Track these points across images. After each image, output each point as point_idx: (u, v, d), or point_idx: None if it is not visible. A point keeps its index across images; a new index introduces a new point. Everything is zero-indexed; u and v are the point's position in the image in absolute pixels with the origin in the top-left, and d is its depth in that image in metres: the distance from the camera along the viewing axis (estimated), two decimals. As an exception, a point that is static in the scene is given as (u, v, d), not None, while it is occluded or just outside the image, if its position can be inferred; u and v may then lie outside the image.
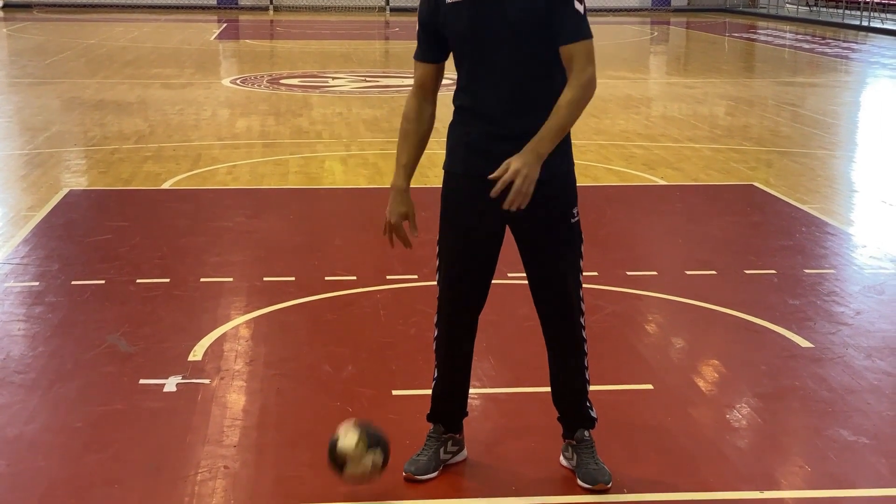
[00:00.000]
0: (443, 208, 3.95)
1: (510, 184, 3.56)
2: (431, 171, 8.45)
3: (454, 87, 3.86)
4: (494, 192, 3.57)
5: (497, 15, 3.65)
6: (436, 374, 4.09)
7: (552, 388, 4.08)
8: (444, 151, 3.94)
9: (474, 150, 3.80)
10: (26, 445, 4.28)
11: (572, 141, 3.89)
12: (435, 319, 4.03)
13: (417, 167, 3.99)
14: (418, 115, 3.89)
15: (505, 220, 3.86)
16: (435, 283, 4.02)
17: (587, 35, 3.66)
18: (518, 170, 3.55)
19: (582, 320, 3.97)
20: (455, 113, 3.87)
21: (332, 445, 3.84)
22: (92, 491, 3.93)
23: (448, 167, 3.92)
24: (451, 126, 3.89)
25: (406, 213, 3.90)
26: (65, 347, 5.34)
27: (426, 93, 3.90)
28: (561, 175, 3.81)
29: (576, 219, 3.87)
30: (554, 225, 3.83)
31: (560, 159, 3.79)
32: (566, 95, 3.63)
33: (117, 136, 11.48)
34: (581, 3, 3.64)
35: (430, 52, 3.85)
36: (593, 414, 4.07)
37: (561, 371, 4.02)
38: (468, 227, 3.87)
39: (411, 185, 3.96)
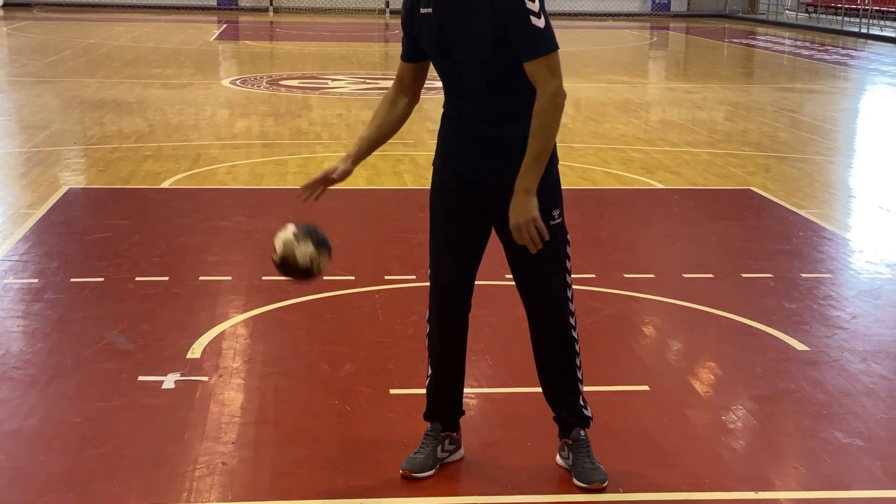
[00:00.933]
0: (430, 205, 4.00)
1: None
2: (430, 173, 8.36)
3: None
4: (527, 243, 3.67)
5: (459, 31, 3.69)
6: (429, 371, 4.13)
7: (543, 388, 4.09)
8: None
9: (455, 150, 3.86)
10: (25, 440, 4.30)
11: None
12: (427, 316, 4.07)
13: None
14: (392, 102, 3.96)
15: (488, 220, 3.90)
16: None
17: (548, 49, 3.61)
18: (518, 224, 3.64)
19: (572, 320, 3.98)
20: (443, 113, 3.93)
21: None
22: (90, 485, 3.95)
23: (434, 164, 3.99)
24: (442, 121, 3.95)
25: (330, 172, 3.91)
26: (64, 344, 5.36)
27: (403, 87, 3.97)
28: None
29: (556, 220, 3.85)
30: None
31: None
32: (534, 122, 3.63)
33: (117, 136, 11.50)
34: (539, 17, 3.59)
35: (409, 52, 3.92)
36: (587, 413, 4.09)
37: (550, 370, 4.03)
38: (453, 223, 3.91)
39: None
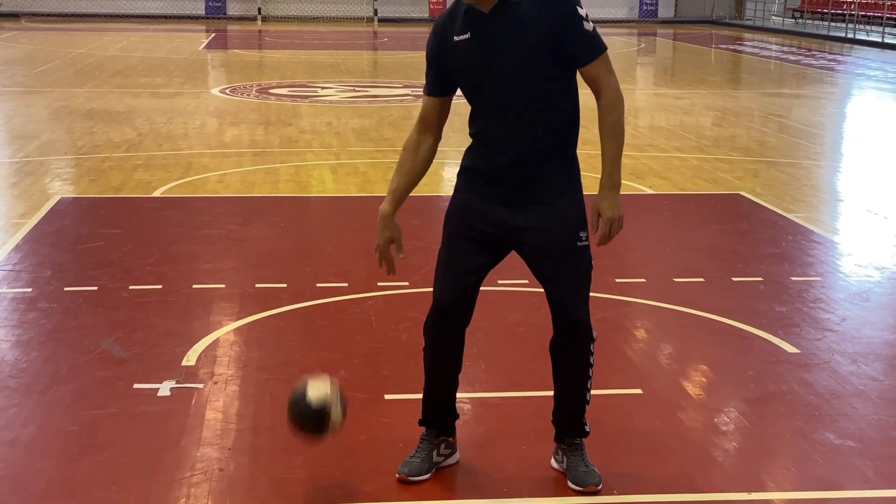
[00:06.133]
0: (449, 224, 3.99)
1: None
2: (422, 181, 8.40)
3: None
4: (602, 244, 3.84)
5: (505, 48, 3.71)
6: (425, 381, 4.15)
7: (554, 406, 4.12)
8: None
9: (487, 178, 3.86)
10: (23, 448, 4.32)
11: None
12: (424, 326, 4.07)
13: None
14: (416, 147, 3.96)
15: (510, 244, 3.93)
16: (424, 289, 4.06)
17: (602, 49, 3.78)
18: (612, 218, 3.80)
19: (592, 347, 4.01)
20: (471, 138, 3.94)
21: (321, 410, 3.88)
22: (88, 493, 3.97)
23: (460, 188, 3.97)
24: (468, 149, 3.95)
25: (391, 238, 3.98)
26: (59, 352, 5.38)
27: (428, 126, 3.97)
28: (567, 198, 3.86)
29: (584, 242, 3.89)
30: (561, 249, 3.87)
31: (566, 182, 3.87)
32: (608, 118, 3.81)
33: (107, 145, 11.52)
34: (588, 22, 3.73)
35: (436, 86, 3.93)
36: (587, 429, 4.13)
37: (563, 391, 4.06)
38: (472, 248, 3.92)
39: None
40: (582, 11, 3.71)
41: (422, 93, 4.02)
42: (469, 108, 3.89)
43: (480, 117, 3.84)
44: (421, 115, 3.99)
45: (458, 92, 3.94)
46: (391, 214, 3.97)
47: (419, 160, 3.96)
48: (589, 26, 3.72)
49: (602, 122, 3.82)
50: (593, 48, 3.75)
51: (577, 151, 3.96)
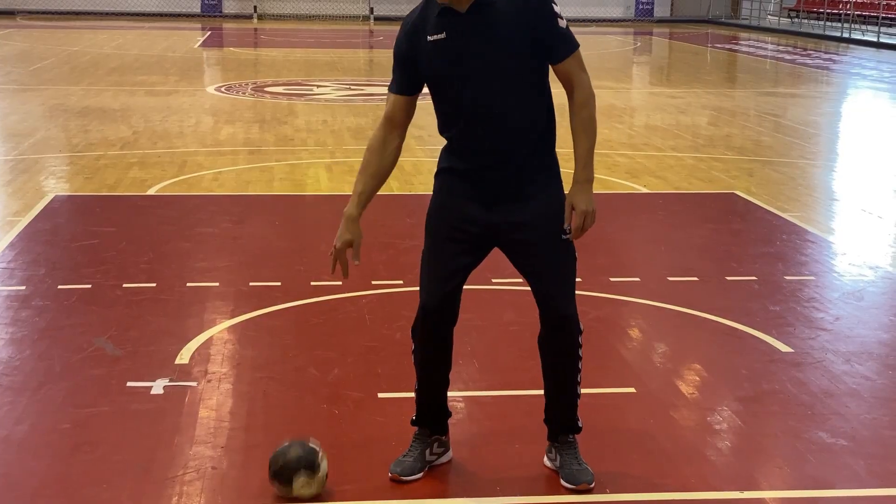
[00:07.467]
0: (430, 226, 3.99)
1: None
2: (416, 179, 8.60)
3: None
4: (576, 238, 3.84)
5: (483, 48, 3.71)
6: (417, 381, 4.15)
7: (546, 402, 4.12)
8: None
9: (466, 178, 3.86)
10: (15, 446, 4.32)
11: (558, 149, 3.95)
12: (412, 329, 4.07)
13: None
14: (382, 147, 3.91)
15: (493, 242, 3.93)
16: (418, 288, 4.06)
17: (576, 46, 3.79)
18: (585, 211, 3.78)
19: (580, 339, 4.02)
20: (444, 148, 3.93)
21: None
22: (81, 491, 3.97)
23: (439, 189, 3.97)
24: (444, 150, 3.94)
25: (351, 242, 3.92)
26: (52, 350, 5.37)
27: (394, 126, 3.92)
28: (547, 193, 3.86)
29: (568, 234, 3.90)
30: (545, 243, 3.87)
31: (545, 178, 3.86)
32: (581, 113, 3.79)
33: (102, 143, 11.50)
34: (562, 19, 3.75)
35: (405, 85, 3.88)
36: (579, 424, 4.13)
37: (553, 378, 4.06)
38: (455, 249, 3.92)
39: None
40: (557, 9, 3.73)
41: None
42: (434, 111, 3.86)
43: (457, 121, 3.80)
44: (387, 114, 3.92)
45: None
46: (356, 217, 3.92)
47: (385, 161, 3.91)
48: (563, 23, 3.75)
49: (575, 118, 3.81)
50: (567, 45, 3.77)
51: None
